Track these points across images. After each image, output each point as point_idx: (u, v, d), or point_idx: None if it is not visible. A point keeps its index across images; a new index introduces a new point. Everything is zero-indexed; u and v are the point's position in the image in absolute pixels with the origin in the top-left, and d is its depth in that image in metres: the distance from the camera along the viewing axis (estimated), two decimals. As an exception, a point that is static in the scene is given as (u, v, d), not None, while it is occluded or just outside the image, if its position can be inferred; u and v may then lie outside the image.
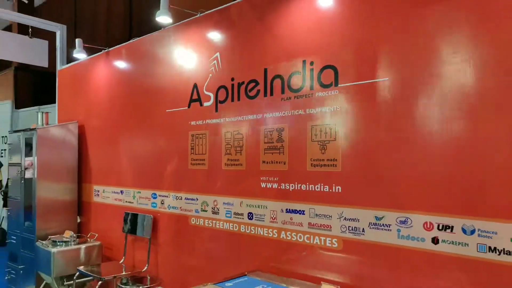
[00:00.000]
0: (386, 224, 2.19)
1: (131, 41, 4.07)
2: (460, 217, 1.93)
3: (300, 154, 2.59)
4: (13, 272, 4.74)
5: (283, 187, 2.68)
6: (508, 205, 1.80)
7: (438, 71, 2.02)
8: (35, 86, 9.86)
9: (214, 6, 3.23)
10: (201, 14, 3.32)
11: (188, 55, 3.41)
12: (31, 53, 5.43)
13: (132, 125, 3.97)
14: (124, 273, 3.56)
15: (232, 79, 3.03)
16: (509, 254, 1.79)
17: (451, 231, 1.96)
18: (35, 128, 4.42)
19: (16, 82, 9.71)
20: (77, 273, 3.66)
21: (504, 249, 1.80)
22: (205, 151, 3.22)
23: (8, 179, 5.18)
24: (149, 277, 3.45)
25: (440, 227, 1.99)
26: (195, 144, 3.31)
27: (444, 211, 1.98)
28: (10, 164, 4.94)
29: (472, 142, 1.91)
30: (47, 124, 4.75)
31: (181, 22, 3.51)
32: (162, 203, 3.60)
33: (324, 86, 2.49)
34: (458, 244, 1.93)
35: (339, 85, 2.42)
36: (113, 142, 4.20)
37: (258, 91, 2.85)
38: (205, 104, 3.23)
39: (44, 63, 5.60)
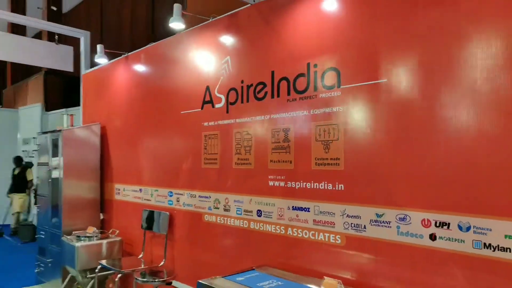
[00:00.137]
0: (386, 221, 2.25)
1: (148, 45, 4.25)
2: (456, 214, 1.98)
3: (305, 154, 2.68)
4: (42, 265, 5.03)
5: (290, 185, 2.78)
6: (503, 203, 1.84)
7: (436, 72, 2.07)
8: (63, 90, 10.29)
9: (225, 11, 3.35)
10: (213, 19, 3.45)
11: (201, 59, 3.55)
12: (57, 58, 5.71)
13: (149, 126, 4.15)
14: (142, 267, 3.74)
15: (242, 82, 3.15)
16: (504, 250, 1.82)
17: (448, 228, 2.01)
18: (60, 130, 4.66)
19: (46, 86, 10.16)
20: (99, 266, 3.87)
21: (498, 245, 1.84)
22: (217, 150, 3.35)
23: (37, 178, 5.48)
24: (165, 271, 3.61)
25: (437, 224, 2.04)
26: (207, 144, 3.44)
27: (441, 209, 2.03)
28: (39, 164, 5.23)
29: (466, 142, 1.95)
30: (72, 125, 5.02)
31: (195, 27, 3.65)
32: (178, 201, 3.75)
33: (327, 87, 2.57)
34: (455, 241, 1.98)
35: (341, 87, 2.49)
36: (132, 142, 4.39)
37: (266, 92, 2.96)
38: (217, 105, 3.35)
39: (69, 68, 5.88)
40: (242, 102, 3.14)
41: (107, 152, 4.84)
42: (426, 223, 2.08)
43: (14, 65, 12.50)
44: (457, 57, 2.00)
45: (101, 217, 4.88)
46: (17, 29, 10.88)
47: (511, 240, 1.80)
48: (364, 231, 2.35)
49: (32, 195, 8.15)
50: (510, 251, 1.80)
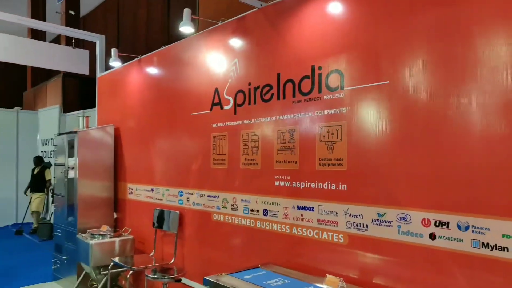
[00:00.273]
0: (387, 221, 2.29)
1: (160, 49, 4.36)
2: (456, 214, 2.00)
3: (310, 154, 2.73)
4: (58, 262, 5.19)
5: (295, 185, 2.83)
6: (501, 203, 1.86)
7: (437, 75, 2.10)
8: (80, 92, 10.55)
9: (235, 15, 3.43)
10: (222, 23, 3.53)
11: (210, 61, 3.64)
12: (74, 62, 5.89)
13: (161, 127, 4.26)
14: (153, 264, 3.84)
15: (249, 84, 3.22)
16: (501, 250, 1.85)
17: (447, 227, 2.03)
18: (76, 131, 4.82)
19: (64, 88, 10.44)
20: (112, 263, 3.99)
21: (496, 244, 1.86)
22: (225, 151, 3.43)
23: (54, 177, 5.66)
24: (175, 269, 3.69)
25: (437, 224, 2.07)
26: (216, 145, 3.52)
27: (440, 208, 2.06)
28: (56, 164, 5.41)
29: (466, 143, 1.98)
30: (87, 127, 5.17)
31: (204, 30, 3.74)
32: (188, 200, 3.84)
33: (331, 89, 2.62)
34: (454, 240, 2.01)
35: (344, 88, 2.54)
36: (145, 143, 4.51)
37: (272, 94, 3.02)
38: (225, 107, 3.43)
39: (85, 71, 6.05)
40: (249, 104, 3.21)
41: (120, 152, 4.97)
42: (426, 222, 2.11)
43: (34, 69, 12.85)
44: (459, 58, 2.03)
45: (115, 216, 5.01)
46: (37, 33, 11.20)
47: (509, 239, 1.82)
48: (366, 230, 2.39)
49: (50, 194, 8.38)
50: (507, 251, 1.82)
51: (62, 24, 11.07)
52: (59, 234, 5.18)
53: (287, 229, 2.87)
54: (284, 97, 2.93)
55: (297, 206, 2.81)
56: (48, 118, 9.67)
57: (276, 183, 2.96)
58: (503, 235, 1.83)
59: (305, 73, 2.79)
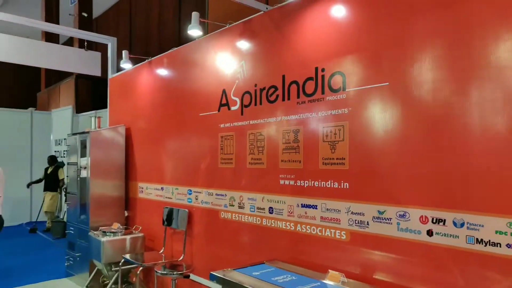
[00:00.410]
0: (387, 218, 2.36)
1: (170, 50, 4.48)
2: (451, 211, 2.07)
3: (313, 154, 2.82)
4: (71, 259, 5.34)
5: (299, 184, 2.92)
6: (494, 200, 1.92)
7: (433, 75, 2.18)
8: (93, 92, 10.75)
9: (242, 17, 3.53)
10: (229, 26, 3.63)
11: (218, 63, 3.74)
12: (86, 64, 6.05)
13: (170, 127, 4.38)
14: (162, 261, 3.96)
15: (255, 85, 3.31)
16: (494, 245, 1.91)
17: (444, 224, 2.10)
18: (88, 131, 4.96)
19: (77, 89, 10.65)
20: (123, 260, 4.12)
21: (489, 240, 1.93)
22: (232, 151, 3.53)
23: (67, 176, 5.81)
24: (184, 265, 3.80)
25: (434, 221, 2.14)
26: (224, 145, 3.62)
27: (437, 206, 2.13)
28: (69, 164, 5.56)
29: (461, 144, 2.05)
30: (99, 127, 5.31)
31: (212, 33, 3.85)
32: (196, 199, 3.95)
33: (334, 90, 2.70)
34: (450, 236, 2.08)
35: (346, 90, 2.62)
36: (155, 143, 4.63)
37: (277, 96, 3.11)
38: (232, 108, 3.53)
39: (97, 73, 6.21)
40: (255, 104, 3.31)
41: (131, 152, 5.11)
42: (423, 219, 2.19)
43: (48, 70, 13.12)
44: (455, 60, 2.10)
45: (126, 214, 5.14)
46: (51, 35, 11.44)
47: (501, 235, 1.88)
48: (367, 227, 2.47)
49: (63, 193, 8.56)
50: (500, 246, 1.89)
51: (75, 26, 11.29)
52: (72, 232, 5.33)
53: (292, 227, 2.96)
54: (288, 98, 3.02)
55: (301, 204, 2.89)
56: (61, 119, 9.88)
57: (281, 181, 3.05)
58: (496, 231, 1.90)
59: (309, 75, 2.87)
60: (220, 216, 3.64)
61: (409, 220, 2.25)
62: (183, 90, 4.21)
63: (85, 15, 11.59)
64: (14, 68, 11.58)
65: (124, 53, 5.03)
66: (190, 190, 4.05)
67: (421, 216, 2.20)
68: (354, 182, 2.57)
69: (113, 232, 4.47)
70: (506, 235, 1.87)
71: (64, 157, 9.18)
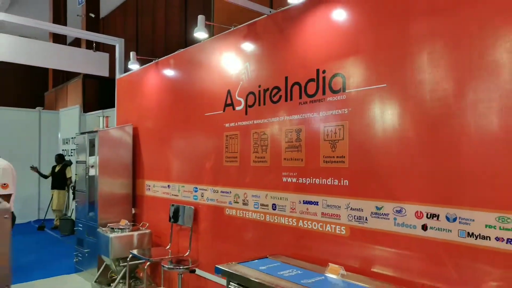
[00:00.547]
0: (384, 213, 2.47)
1: (176, 52, 4.61)
2: (444, 207, 2.18)
3: (315, 152, 2.93)
4: (80, 255, 5.49)
5: (301, 181, 3.03)
6: (484, 196, 2.03)
7: (431, 76, 2.28)
8: (100, 92, 10.91)
9: (247, 19, 3.65)
10: (234, 28, 3.75)
11: (223, 64, 3.86)
12: (94, 64, 6.19)
13: (177, 127, 4.51)
14: (169, 256, 4.09)
15: (259, 86, 3.43)
16: (484, 239, 2.02)
17: (437, 219, 2.21)
18: (97, 131, 5.10)
19: (84, 89, 10.81)
20: (130, 255, 4.25)
21: (480, 234, 2.04)
22: (237, 149, 3.65)
23: (75, 174, 5.96)
24: (190, 260, 3.93)
25: (429, 216, 2.25)
26: (229, 143, 3.74)
27: (432, 201, 2.24)
28: (78, 162, 5.71)
29: (455, 143, 2.16)
30: (107, 126, 5.45)
31: (218, 35, 3.97)
32: (202, 196, 4.08)
33: (334, 91, 2.81)
34: (443, 230, 2.19)
35: (346, 91, 2.73)
36: (162, 142, 4.76)
37: (280, 96, 3.23)
38: (237, 108, 3.65)
39: (105, 73, 6.34)
40: (259, 105, 3.43)
41: (138, 151, 5.24)
42: (419, 214, 2.30)
43: (55, 70, 13.30)
44: (451, 62, 2.21)
45: (133, 211, 5.28)
46: (58, 35, 11.61)
47: (491, 229, 1.99)
48: (366, 222, 2.58)
49: (71, 191, 8.72)
50: (489, 239, 1.99)
51: (82, 26, 11.47)
52: (81, 229, 5.48)
53: (294, 222, 3.07)
54: (291, 99, 3.13)
55: (303, 200, 3.01)
56: (68, 118, 10.03)
57: (284, 179, 3.17)
58: (486, 225, 2.01)
59: (310, 76, 2.98)
60: (225, 213, 3.76)
61: (405, 215, 2.36)
62: (189, 91, 4.33)
63: (93, 15, 11.76)
64: (22, 69, 11.78)
65: (132, 54, 5.17)
66: (196, 188, 4.18)
67: (417, 212, 2.31)
68: (353, 179, 2.68)
69: (121, 229, 4.60)
70: (495, 228, 1.98)
71: (72, 155, 9.33)
